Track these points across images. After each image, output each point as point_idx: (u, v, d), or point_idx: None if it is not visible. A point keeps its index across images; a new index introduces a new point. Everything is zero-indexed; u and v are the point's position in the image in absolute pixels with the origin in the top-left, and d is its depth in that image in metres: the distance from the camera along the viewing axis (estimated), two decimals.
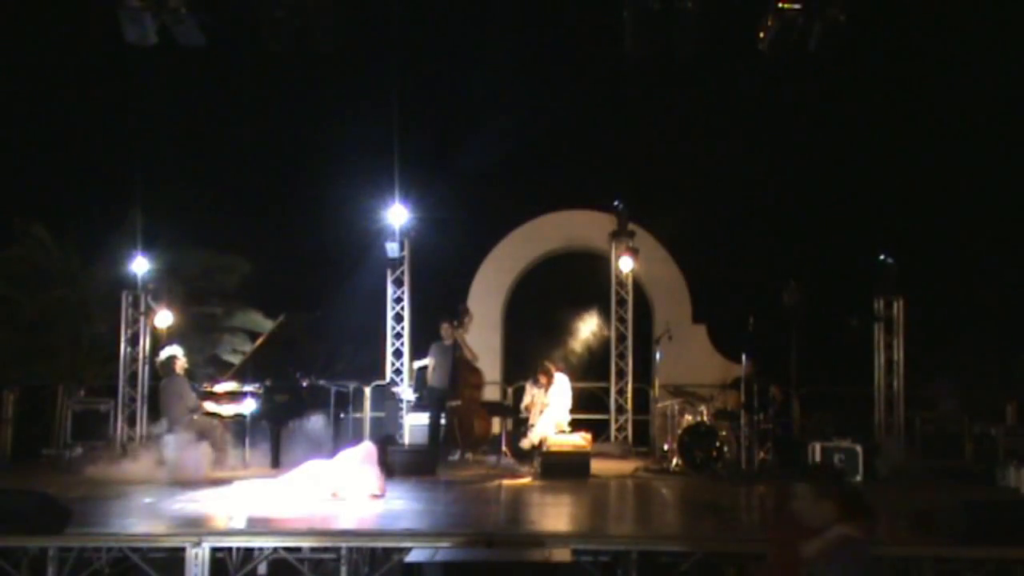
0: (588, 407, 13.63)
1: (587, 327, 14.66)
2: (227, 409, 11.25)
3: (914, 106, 15.35)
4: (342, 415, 12.98)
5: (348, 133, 15.78)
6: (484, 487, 10.19)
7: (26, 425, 13.32)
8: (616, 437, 13.71)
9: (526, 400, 12.23)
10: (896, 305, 12.34)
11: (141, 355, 12.60)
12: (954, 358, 13.62)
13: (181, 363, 11.18)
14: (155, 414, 12.03)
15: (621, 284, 14.07)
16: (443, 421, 12.19)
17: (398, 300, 13.92)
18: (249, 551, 7.50)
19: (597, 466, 11.22)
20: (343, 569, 7.36)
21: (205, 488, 9.52)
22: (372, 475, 9.08)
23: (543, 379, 11.83)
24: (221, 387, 11.50)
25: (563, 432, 11.58)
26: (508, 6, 13.55)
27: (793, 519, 4.67)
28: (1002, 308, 14.64)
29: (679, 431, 11.44)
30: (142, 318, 12.63)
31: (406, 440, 12.82)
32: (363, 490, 8.90)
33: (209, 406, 11.22)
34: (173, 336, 12.61)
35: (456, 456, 12.42)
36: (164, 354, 11.28)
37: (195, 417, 10.96)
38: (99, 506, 8.41)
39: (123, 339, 12.60)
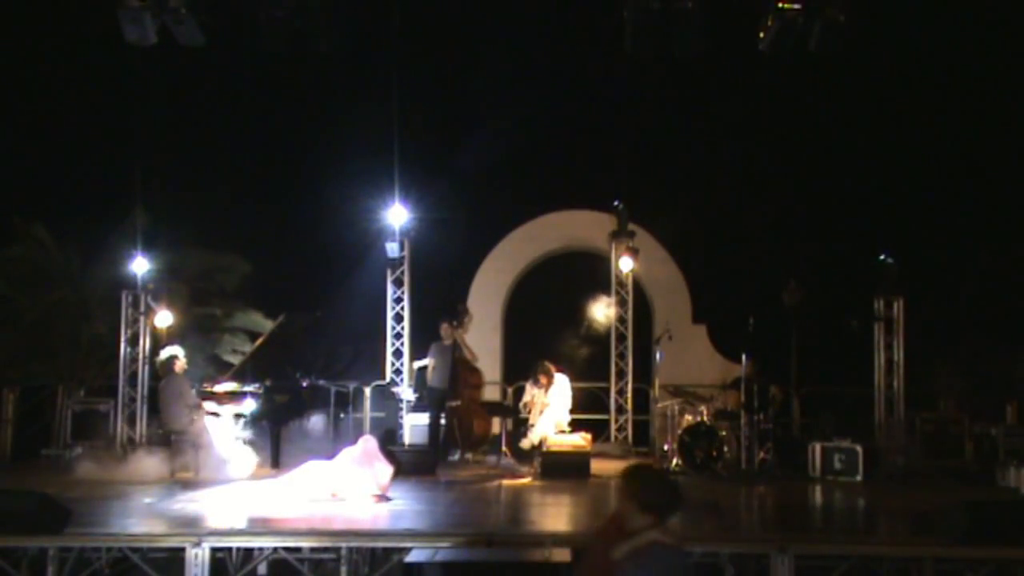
0: (588, 407, 13.63)
1: (587, 327, 14.66)
2: (227, 409, 11.24)
3: (914, 106, 15.34)
4: (342, 415, 12.99)
5: (348, 133, 15.76)
6: (484, 487, 10.19)
7: (26, 425, 13.32)
8: (616, 437, 13.71)
9: (525, 398, 12.23)
10: (896, 305, 12.34)
11: (141, 355, 12.60)
12: (954, 358, 13.62)
13: (181, 363, 11.16)
14: (156, 414, 12.04)
15: (621, 284, 14.06)
16: (443, 421, 12.19)
17: (398, 300, 13.92)
18: (249, 551, 7.50)
19: (597, 466, 11.22)
20: (343, 569, 7.37)
21: (205, 488, 9.53)
22: (373, 472, 9.05)
23: (543, 379, 11.83)
24: (221, 387, 11.50)
25: (563, 432, 11.58)
26: (508, 6, 13.53)
27: (617, 519, 4.41)
28: (1002, 308, 14.63)
29: (679, 431, 11.44)
30: (142, 318, 12.62)
31: (406, 440, 12.82)
32: (364, 490, 8.89)
33: (209, 406, 11.22)
34: (173, 336, 12.61)
35: (456, 456, 12.42)
36: (164, 354, 11.27)
37: (194, 416, 10.96)
38: (99, 506, 8.42)
39: (123, 339, 12.60)
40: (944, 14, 13.63)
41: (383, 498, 8.88)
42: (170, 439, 10.82)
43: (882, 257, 12.41)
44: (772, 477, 11.02)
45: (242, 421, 11.24)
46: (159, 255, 13.46)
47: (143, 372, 12.58)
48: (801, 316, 11.97)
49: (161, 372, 11.27)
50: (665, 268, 14.83)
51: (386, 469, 9.14)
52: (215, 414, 11.20)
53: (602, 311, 13.91)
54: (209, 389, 11.44)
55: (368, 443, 9.33)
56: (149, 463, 10.64)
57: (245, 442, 11.08)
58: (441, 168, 15.65)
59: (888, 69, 15.11)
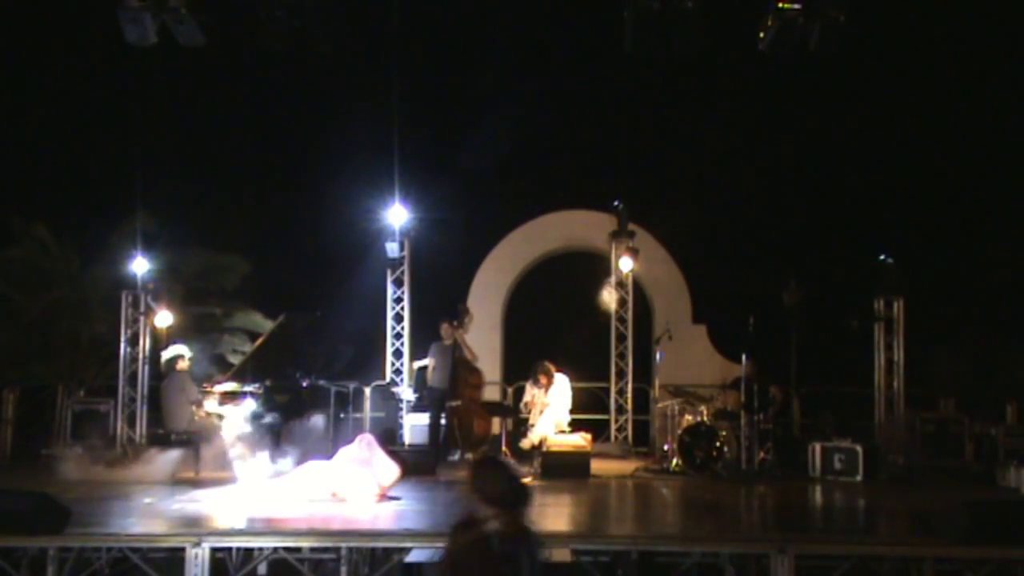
0: (588, 407, 13.62)
1: (587, 327, 14.66)
2: (227, 409, 11.24)
3: (914, 106, 15.34)
4: (342, 415, 12.98)
5: (348, 133, 15.76)
6: None
7: (26, 425, 13.32)
8: (616, 437, 13.71)
9: (526, 398, 12.23)
10: (896, 305, 12.34)
11: (141, 355, 12.60)
12: (954, 358, 13.62)
13: (185, 362, 11.21)
14: (156, 414, 12.05)
15: (621, 284, 14.06)
16: (443, 421, 12.19)
17: (398, 300, 13.92)
18: (249, 551, 7.50)
19: (597, 466, 11.22)
20: (343, 569, 7.37)
21: (205, 488, 9.53)
22: (373, 472, 9.03)
23: (543, 379, 11.83)
24: (221, 387, 11.50)
25: (563, 432, 11.58)
26: (508, 6, 13.54)
27: (471, 511, 4.52)
28: (1002, 308, 14.63)
29: (679, 431, 11.44)
30: (142, 318, 12.62)
31: (406, 440, 12.82)
32: (364, 490, 8.88)
33: (209, 406, 11.21)
34: (173, 336, 12.60)
35: (456, 456, 12.41)
36: (170, 352, 11.32)
37: (196, 411, 10.96)
38: (99, 506, 8.41)
39: (123, 339, 12.60)
40: (944, 14, 13.63)
41: (385, 497, 8.88)
42: (171, 439, 10.81)
43: (882, 257, 12.41)
44: (772, 477, 11.02)
45: (242, 421, 11.24)
46: (159, 255, 13.46)
47: (143, 372, 12.59)
48: (801, 316, 11.96)
49: (164, 370, 11.29)
50: (665, 268, 14.83)
51: (388, 468, 9.13)
52: (217, 415, 11.20)
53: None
54: (209, 389, 11.44)
55: (366, 442, 9.32)
56: (149, 463, 10.63)
57: (245, 442, 11.08)
58: (441, 168, 15.65)
59: (888, 69, 15.10)
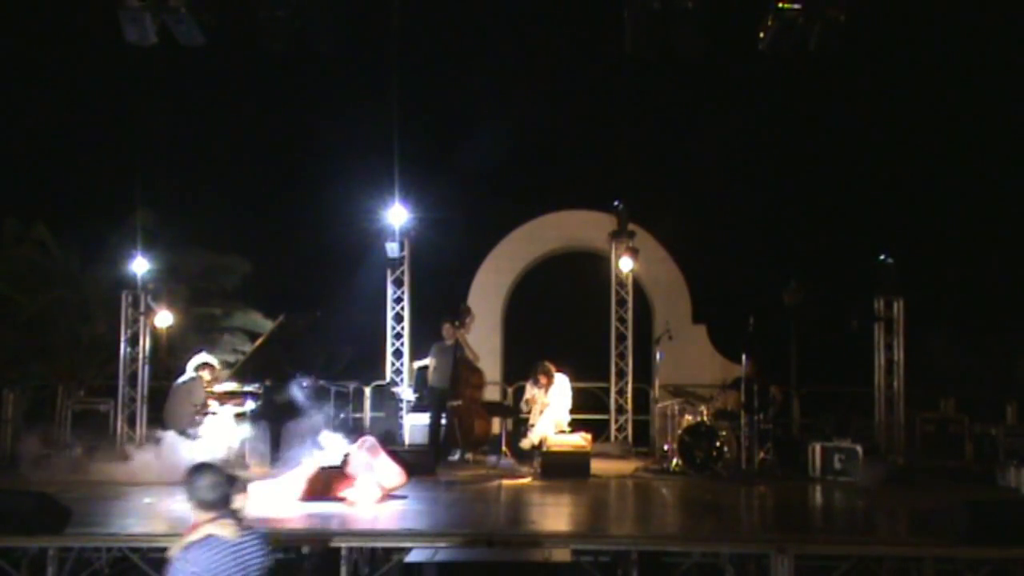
0: (588, 407, 13.62)
1: (587, 327, 14.66)
2: (227, 409, 11.25)
3: (914, 106, 15.36)
4: (342, 415, 12.98)
5: (348, 133, 15.78)
6: (484, 487, 10.19)
7: (26, 425, 13.30)
8: (616, 437, 13.70)
9: (526, 398, 12.22)
10: (896, 305, 12.33)
11: (141, 355, 12.60)
12: (954, 357, 13.63)
13: (208, 374, 11.31)
14: (155, 414, 12.05)
15: (621, 284, 14.06)
16: (443, 421, 12.19)
17: (398, 300, 13.92)
18: None
19: (597, 466, 11.22)
20: (343, 569, 7.36)
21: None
22: (374, 473, 9.03)
23: (543, 379, 11.81)
24: (221, 387, 11.51)
25: (563, 432, 11.57)
26: (508, 6, 13.55)
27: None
28: (1002, 308, 14.64)
29: (679, 431, 11.43)
30: (142, 318, 12.62)
31: (406, 440, 12.81)
32: (365, 490, 8.89)
33: (209, 406, 11.23)
34: (174, 336, 12.62)
35: (456, 456, 12.40)
36: (200, 358, 11.46)
37: (197, 418, 10.97)
38: (99, 506, 8.41)
39: (123, 339, 12.60)
40: (944, 14, 13.64)
41: (387, 498, 8.87)
42: (171, 439, 10.81)
43: (882, 257, 12.41)
44: (772, 477, 11.01)
45: (242, 421, 11.25)
46: (159, 255, 13.47)
47: (143, 372, 12.58)
48: (801, 316, 11.96)
49: (183, 370, 11.37)
50: (665, 268, 14.81)
51: (391, 470, 9.13)
52: (215, 414, 11.22)
53: (602, 311, 13.90)
54: (209, 389, 11.46)
55: (368, 445, 9.33)
56: (149, 463, 10.63)
57: (245, 442, 11.09)
58: (441, 168, 15.67)
59: (888, 69, 15.12)
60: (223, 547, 4.40)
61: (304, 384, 11.67)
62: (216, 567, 4.35)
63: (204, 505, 4.49)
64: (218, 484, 4.53)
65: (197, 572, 4.33)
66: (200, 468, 4.61)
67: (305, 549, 7.48)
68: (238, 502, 4.84)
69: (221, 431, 11.03)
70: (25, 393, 13.58)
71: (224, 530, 4.43)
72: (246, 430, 11.22)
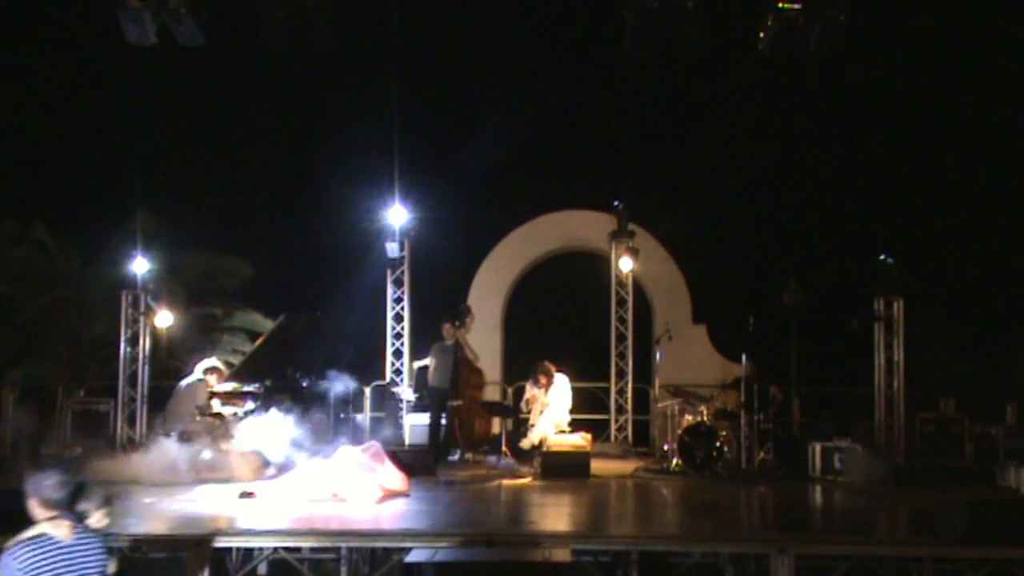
0: (588, 407, 13.62)
1: (587, 327, 14.65)
2: (227, 409, 11.24)
3: (914, 106, 15.35)
4: (342, 415, 12.97)
5: (348, 133, 15.77)
6: (484, 487, 10.19)
7: (26, 425, 13.30)
8: (616, 437, 13.71)
9: (526, 397, 12.22)
10: (896, 305, 12.33)
11: (141, 355, 12.60)
12: (954, 358, 13.62)
13: (214, 379, 11.31)
14: (155, 414, 12.05)
15: (621, 284, 14.06)
16: (443, 421, 12.19)
17: (398, 300, 13.92)
18: (249, 551, 7.50)
19: (597, 466, 11.22)
20: (343, 569, 7.38)
21: (205, 488, 9.52)
22: (376, 477, 9.02)
23: (543, 379, 11.82)
24: (221, 387, 11.50)
25: (563, 432, 11.58)
26: (508, 6, 13.54)
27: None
28: (1002, 308, 14.63)
29: (679, 431, 11.43)
30: (142, 318, 12.63)
31: (406, 440, 12.81)
32: (365, 491, 8.88)
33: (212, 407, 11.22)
34: (174, 336, 12.61)
35: (456, 456, 12.42)
36: (208, 362, 11.50)
37: (198, 417, 10.97)
38: None
39: (123, 339, 12.60)
40: (944, 14, 13.64)
41: (387, 498, 8.87)
42: (171, 439, 10.80)
43: (882, 257, 12.41)
44: (772, 477, 11.02)
45: (242, 421, 11.24)
46: (159, 255, 13.46)
47: (143, 372, 12.59)
48: (801, 316, 11.96)
49: (190, 373, 11.38)
50: (665, 268, 14.81)
51: (393, 476, 9.13)
52: (216, 414, 11.20)
53: (602, 311, 13.89)
54: (209, 389, 11.45)
55: (373, 450, 9.32)
56: (150, 463, 10.62)
57: (244, 442, 11.07)
58: (441, 168, 15.66)
59: (888, 69, 15.11)
60: (54, 546, 4.41)
61: (304, 384, 11.67)
62: (42, 566, 4.37)
63: (47, 504, 4.52)
64: (64, 484, 4.57)
65: (23, 569, 4.34)
66: (51, 468, 4.66)
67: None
68: (97, 518, 4.89)
69: (222, 430, 11.03)
70: (25, 393, 13.57)
71: (58, 530, 4.44)
72: (245, 430, 11.21)
